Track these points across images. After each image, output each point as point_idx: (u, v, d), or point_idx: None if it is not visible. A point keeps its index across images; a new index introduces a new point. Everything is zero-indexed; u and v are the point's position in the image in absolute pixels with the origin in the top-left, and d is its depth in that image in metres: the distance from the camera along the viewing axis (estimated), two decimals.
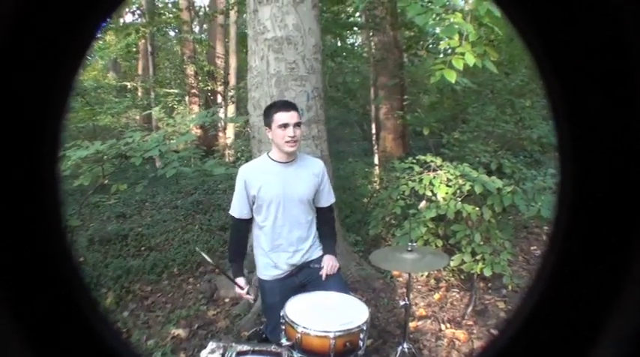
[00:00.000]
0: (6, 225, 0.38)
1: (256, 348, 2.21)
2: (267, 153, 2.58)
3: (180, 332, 3.59)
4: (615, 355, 0.39)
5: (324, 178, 2.62)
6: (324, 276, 2.57)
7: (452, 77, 3.55)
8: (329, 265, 2.58)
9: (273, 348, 2.18)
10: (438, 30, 6.59)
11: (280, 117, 2.40)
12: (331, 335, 2.07)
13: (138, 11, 12.85)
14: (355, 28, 8.94)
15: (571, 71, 0.39)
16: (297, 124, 2.42)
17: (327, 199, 2.68)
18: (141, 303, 4.16)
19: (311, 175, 2.56)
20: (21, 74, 0.38)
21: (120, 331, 3.40)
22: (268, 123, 2.46)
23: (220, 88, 11.47)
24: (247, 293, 2.54)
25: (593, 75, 0.38)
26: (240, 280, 2.56)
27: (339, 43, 9.71)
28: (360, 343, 2.15)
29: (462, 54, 3.55)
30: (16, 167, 0.38)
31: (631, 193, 0.38)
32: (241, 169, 2.57)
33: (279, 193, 2.47)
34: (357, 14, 9.38)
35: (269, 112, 2.47)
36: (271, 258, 2.57)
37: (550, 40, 0.39)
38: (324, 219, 2.71)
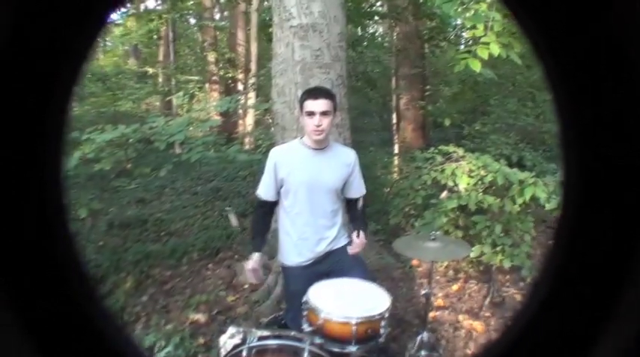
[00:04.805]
0: (7, 225, 0.37)
1: (277, 333, 2.20)
2: (300, 138, 2.58)
3: (200, 317, 3.62)
4: (618, 355, 0.39)
5: (355, 169, 2.59)
6: (351, 249, 2.52)
7: (476, 67, 3.53)
8: (359, 242, 2.50)
9: (294, 333, 2.18)
10: (459, 21, 6.51)
11: (308, 105, 2.40)
12: (353, 321, 2.08)
13: None
14: (377, 18, 8.82)
15: (575, 70, 0.38)
16: (325, 113, 2.39)
17: (358, 190, 2.64)
18: (160, 287, 4.18)
19: (342, 165, 2.54)
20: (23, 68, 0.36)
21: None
22: (300, 109, 2.47)
23: (241, 76, 11.46)
24: (254, 270, 2.50)
25: (597, 75, 0.38)
26: (255, 256, 2.52)
27: (359, 32, 9.61)
28: (382, 330, 2.16)
29: (487, 44, 3.52)
30: (17, 164, 0.36)
31: (636, 191, 0.38)
32: (273, 151, 2.56)
33: (307, 179, 2.47)
34: (379, 3, 9.28)
35: (301, 99, 2.48)
36: (296, 245, 2.56)
37: (556, 42, 0.38)
38: (355, 210, 2.67)
